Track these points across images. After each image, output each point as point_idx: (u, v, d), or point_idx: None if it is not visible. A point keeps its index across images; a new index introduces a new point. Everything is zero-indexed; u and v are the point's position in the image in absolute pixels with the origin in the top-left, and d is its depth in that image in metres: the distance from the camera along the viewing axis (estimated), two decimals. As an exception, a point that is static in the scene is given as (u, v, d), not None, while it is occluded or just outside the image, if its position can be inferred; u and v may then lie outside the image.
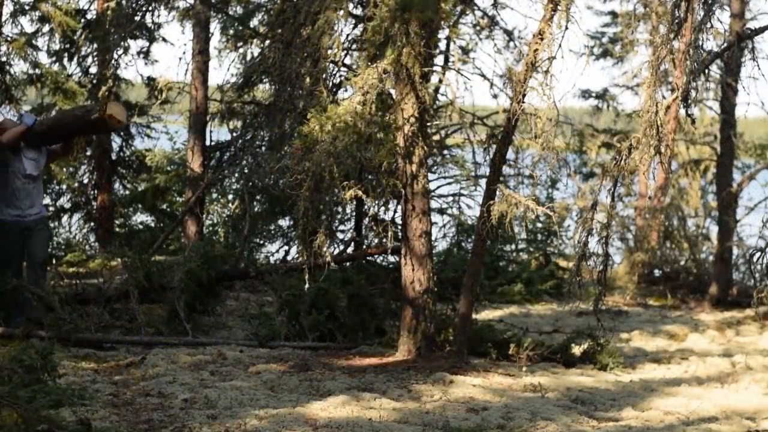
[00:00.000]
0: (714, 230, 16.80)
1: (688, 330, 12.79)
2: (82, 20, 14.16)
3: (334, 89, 9.88)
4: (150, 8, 13.76)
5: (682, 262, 16.97)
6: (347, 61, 9.97)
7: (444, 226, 14.66)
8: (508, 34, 11.21)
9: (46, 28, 13.85)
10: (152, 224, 15.40)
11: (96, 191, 14.67)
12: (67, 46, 14.14)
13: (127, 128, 14.68)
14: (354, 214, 11.88)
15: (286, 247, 13.54)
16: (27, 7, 13.59)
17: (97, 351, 8.98)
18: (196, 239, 12.50)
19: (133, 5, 13.52)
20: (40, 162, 9.53)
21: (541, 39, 8.06)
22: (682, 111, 14.24)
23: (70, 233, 15.11)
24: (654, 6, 16.61)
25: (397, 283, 9.41)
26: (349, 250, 11.62)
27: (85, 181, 14.74)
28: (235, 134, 12.84)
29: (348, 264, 11.08)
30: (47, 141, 9.54)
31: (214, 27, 13.41)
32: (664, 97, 7.77)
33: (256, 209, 12.45)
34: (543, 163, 8.47)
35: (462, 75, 10.05)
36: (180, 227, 13.45)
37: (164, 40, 14.57)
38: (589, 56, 18.61)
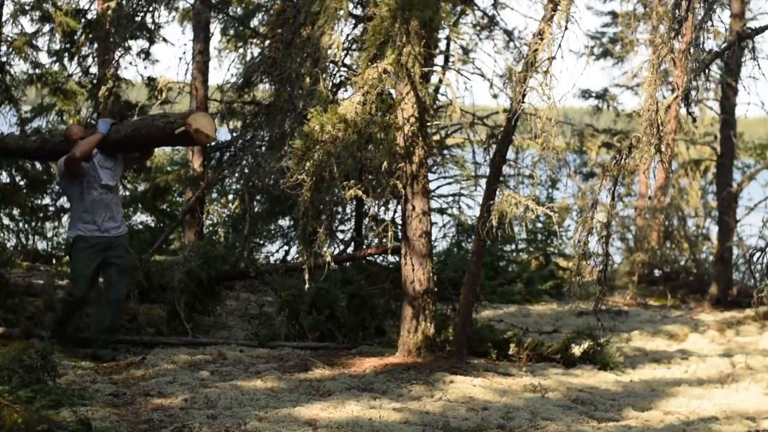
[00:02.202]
0: (714, 230, 16.81)
1: (688, 330, 12.79)
2: (82, 20, 14.14)
3: (334, 89, 9.88)
4: (150, 8, 13.76)
5: (682, 262, 16.97)
6: (347, 61, 9.97)
7: (444, 226, 14.67)
8: (508, 34, 11.21)
9: (46, 28, 13.85)
10: (152, 224, 15.39)
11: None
12: (67, 46, 14.13)
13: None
14: (354, 214, 11.88)
15: (286, 247, 13.55)
16: (27, 7, 13.59)
17: (97, 351, 8.98)
18: (196, 239, 12.50)
19: (134, 5, 13.52)
20: (116, 171, 8.63)
21: (541, 39, 8.06)
22: (683, 110, 14.25)
23: (70, 233, 15.10)
24: (654, 6, 16.61)
25: (397, 283, 9.41)
26: (349, 250, 11.62)
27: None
28: (235, 134, 12.84)
29: (348, 264, 11.08)
30: (122, 150, 8.63)
31: (214, 27, 13.42)
32: (664, 97, 7.77)
33: (256, 209, 12.44)
34: (543, 163, 8.47)
35: (462, 75, 10.04)
36: (180, 227, 13.45)
37: (164, 40, 14.56)
38: (589, 56, 18.68)
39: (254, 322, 10.29)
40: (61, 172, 8.46)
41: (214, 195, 14.24)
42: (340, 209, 11.58)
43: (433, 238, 9.26)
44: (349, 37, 9.83)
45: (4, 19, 12.84)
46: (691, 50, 7.34)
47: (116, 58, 13.98)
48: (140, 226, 15.38)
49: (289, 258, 13.15)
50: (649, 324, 13.21)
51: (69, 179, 8.45)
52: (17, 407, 5.32)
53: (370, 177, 9.53)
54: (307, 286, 8.43)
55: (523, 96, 8.26)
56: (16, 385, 5.82)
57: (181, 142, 8.63)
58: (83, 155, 8.29)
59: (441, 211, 14.19)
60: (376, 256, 10.84)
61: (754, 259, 8.13)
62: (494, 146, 9.10)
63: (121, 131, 8.49)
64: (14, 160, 13.47)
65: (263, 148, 10.87)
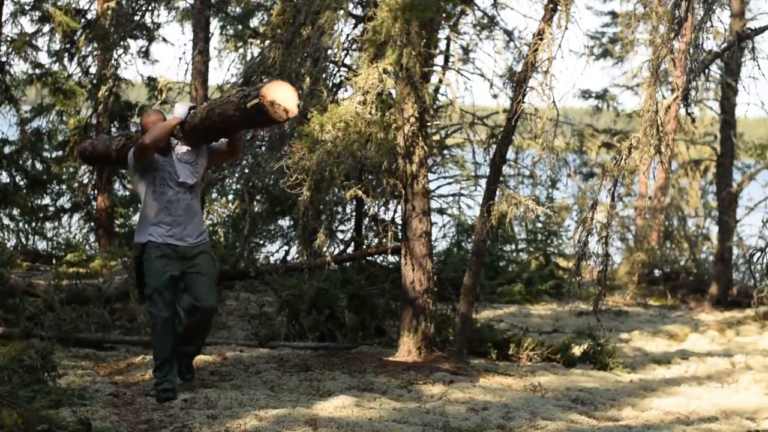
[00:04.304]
0: (714, 230, 16.82)
1: (688, 330, 12.80)
2: (82, 20, 14.16)
3: (334, 89, 9.88)
4: (150, 8, 13.77)
5: (682, 262, 16.98)
6: (347, 61, 9.96)
7: (444, 226, 14.66)
8: (508, 34, 11.20)
9: (46, 28, 13.86)
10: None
11: (96, 191, 14.67)
12: (67, 46, 14.15)
13: (126, 128, 14.67)
14: (354, 214, 11.88)
15: (286, 247, 13.54)
16: (27, 7, 13.60)
17: (97, 351, 8.99)
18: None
19: (133, 5, 13.53)
20: (198, 166, 7.16)
21: (541, 39, 8.07)
22: (682, 111, 14.25)
23: (70, 233, 15.11)
24: (654, 6, 16.60)
25: (397, 283, 9.41)
26: (349, 250, 11.62)
27: (85, 181, 14.74)
28: (234, 134, 12.80)
29: (348, 264, 11.08)
30: (201, 138, 7.17)
31: (214, 27, 13.41)
32: (664, 97, 7.77)
33: (256, 209, 12.44)
34: (543, 163, 8.48)
35: (462, 75, 10.04)
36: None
37: (164, 40, 14.59)
38: (589, 56, 18.66)
39: (254, 322, 10.29)
40: (131, 165, 7.08)
41: (214, 195, 14.24)
42: (340, 209, 11.57)
43: (433, 238, 9.26)
44: (349, 37, 9.83)
45: (4, 18, 12.84)
46: (691, 50, 7.35)
47: (116, 57, 14.00)
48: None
49: (289, 258, 13.15)
50: (649, 324, 13.22)
51: (140, 174, 7.07)
52: (17, 407, 5.32)
53: (370, 177, 9.53)
54: (307, 286, 8.43)
55: (523, 96, 8.27)
56: (16, 385, 5.83)
57: (257, 120, 6.88)
58: (154, 142, 6.90)
59: (441, 211, 14.18)
60: (376, 256, 10.84)
61: (754, 259, 8.13)
62: (494, 146, 9.10)
63: (198, 114, 7.05)
64: (14, 160, 13.48)
65: (263, 148, 10.87)
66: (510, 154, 9.24)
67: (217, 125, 6.92)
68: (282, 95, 6.57)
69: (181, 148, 7.10)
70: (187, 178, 7.05)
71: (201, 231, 7.17)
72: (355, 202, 11.35)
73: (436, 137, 12.14)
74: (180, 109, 7.08)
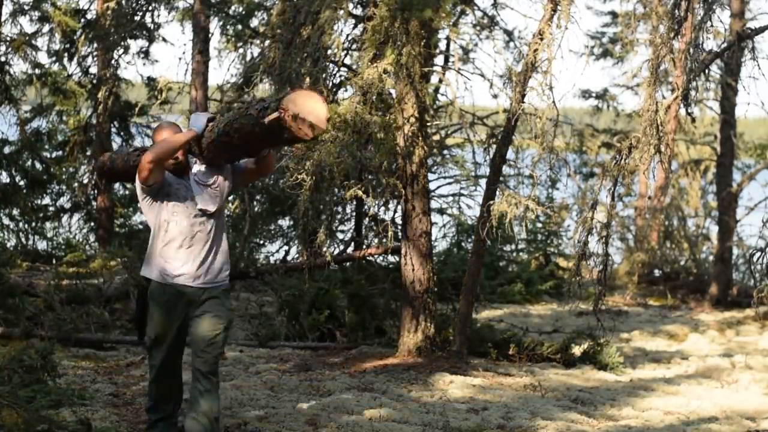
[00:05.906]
0: (714, 230, 16.83)
1: (688, 330, 12.80)
2: (82, 20, 14.17)
3: (334, 89, 9.88)
4: (150, 8, 13.78)
5: (682, 262, 16.98)
6: (347, 61, 9.97)
7: (444, 226, 14.67)
8: (508, 34, 11.22)
9: (46, 28, 13.87)
10: (152, 224, 15.35)
11: (96, 191, 14.67)
12: (67, 46, 14.15)
13: (126, 128, 14.67)
14: (354, 214, 11.88)
15: (286, 247, 13.55)
16: (27, 7, 13.60)
17: (97, 351, 8.99)
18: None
19: (133, 5, 13.54)
20: (220, 189, 5.74)
21: (541, 39, 8.07)
22: (682, 111, 14.26)
23: (70, 233, 15.11)
24: (654, 6, 16.57)
25: (397, 283, 9.41)
26: (349, 250, 11.63)
27: (85, 181, 14.74)
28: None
29: (348, 264, 11.08)
30: (221, 155, 5.72)
31: (214, 27, 13.42)
32: (664, 97, 7.78)
33: (256, 209, 12.44)
34: (543, 163, 8.47)
35: (462, 75, 10.05)
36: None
37: (164, 40, 14.59)
38: (589, 56, 18.65)
39: (254, 322, 10.30)
40: (138, 188, 5.72)
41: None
42: (340, 209, 11.58)
43: (433, 238, 9.26)
44: (349, 37, 9.83)
45: (3, 18, 12.84)
46: (691, 50, 7.35)
47: (116, 57, 14.01)
48: (140, 226, 15.41)
49: (289, 258, 13.15)
50: (649, 324, 13.22)
51: (149, 198, 5.67)
52: (17, 407, 5.32)
53: (370, 177, 9.52)
54: (307, 286, 8.44)
55: (523, 96, 8.26)
56: (16, 385, 5.83)
57: (279, 137, 5.47)
58: (158, 159, 5.48)
59: (441, 211, 14.18)
60: (376, 256, 10.84)
61: (754, 259, 8.13)
62: (494, 146, 9.10)
63: (217, 129, 5.66)
64: (14, 160, 13.47)
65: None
66: (510, 154, 9.23)
67: (235, 142, 5.57)
68: (308, 107, 5.31)
69: (199, 169, 5.77)
70: (207, 204, 5.67)
71: (221, 269, 5.70)
72: (355, 202, 11.35)
73: (436, 137, 12.15)
74: (196, 121, 5.70)
